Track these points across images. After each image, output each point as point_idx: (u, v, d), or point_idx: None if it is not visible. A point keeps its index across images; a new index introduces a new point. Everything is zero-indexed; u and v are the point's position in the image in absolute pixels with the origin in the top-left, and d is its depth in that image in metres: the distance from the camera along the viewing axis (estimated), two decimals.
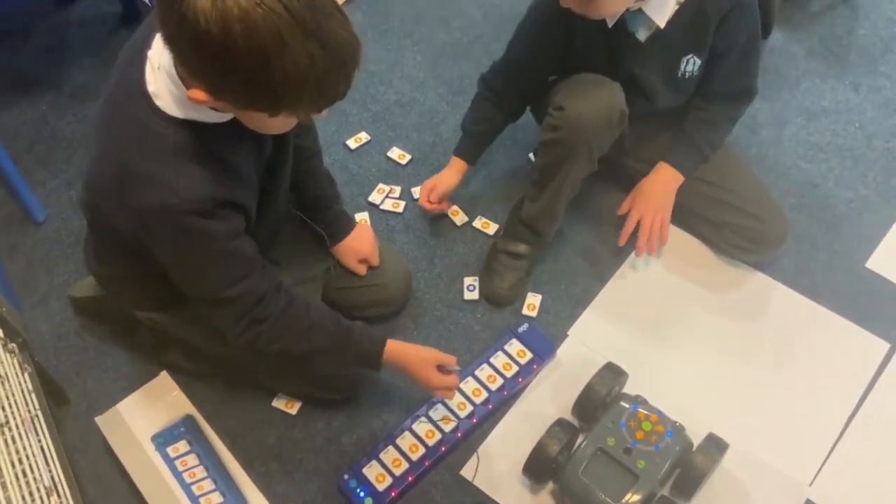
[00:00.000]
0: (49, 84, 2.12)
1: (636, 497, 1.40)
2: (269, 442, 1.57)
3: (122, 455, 1.51)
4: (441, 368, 1.47)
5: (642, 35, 1.54)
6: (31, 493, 1.19)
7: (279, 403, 1.61)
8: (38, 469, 1.23)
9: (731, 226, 1.74)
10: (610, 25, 1.53)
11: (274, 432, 1.58)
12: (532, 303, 1.76)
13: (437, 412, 1.57)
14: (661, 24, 1.50)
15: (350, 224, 1.64)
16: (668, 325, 1.75)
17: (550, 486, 1.51)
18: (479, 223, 1.88)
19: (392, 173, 1.97)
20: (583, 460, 1.44)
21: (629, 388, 1.58)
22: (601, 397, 1.51)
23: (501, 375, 1.63)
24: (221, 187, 1.15)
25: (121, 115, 1.17)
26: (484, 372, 1.63)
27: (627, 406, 1.50)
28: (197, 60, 1.00)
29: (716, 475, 1.51)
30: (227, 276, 1.24)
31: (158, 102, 1.11)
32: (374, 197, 1.92)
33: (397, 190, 1.93)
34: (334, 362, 1.45)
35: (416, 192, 1.92)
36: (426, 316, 1.75)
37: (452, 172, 1.82)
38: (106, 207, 1.27)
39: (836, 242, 1.87)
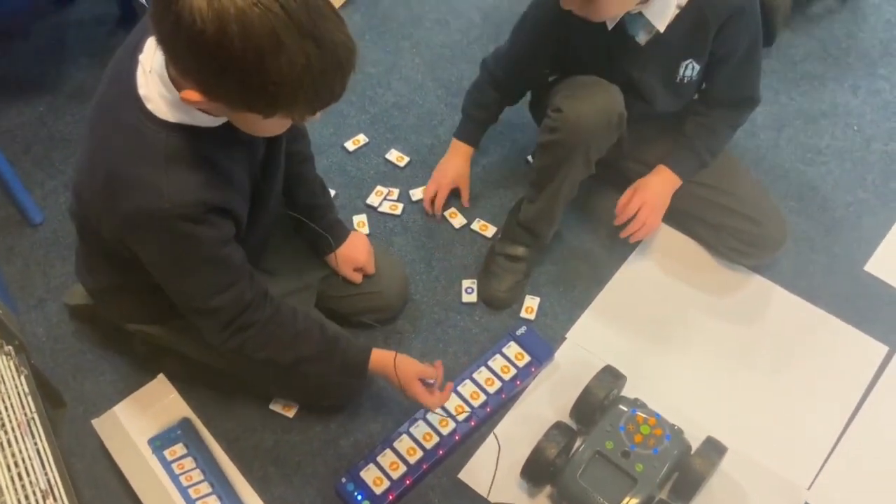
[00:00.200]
0: (47, 85, 2.11)
1: (634, 501, 1.40)
2: (267, 445, 1.57)
3: (119, 458, 1.51)
4: (426, 382, 1.47)
5: (642, 38, 1.54)
6: (27, 497, 1.18)
7: (277, 407, 1.61)
8: (35, 472, 1.23)
9: (730, 229, 1.74)
10: (610, 28, 1.53)
11: (271, 435, 1.58)
12: (530, 305, 1.76)
13: (435, 415, 1.57)
14: (662, 28, 1.50)
15: (345, 232, 1.62)
16: (666, 328, 1.74)
17: (548, 489, 1.51)
18: (476, 225, 1.88)
19: (390, 175, 1.97)
20: (581, 464, 1.44)
21: (627, 392, 1.58)
22: (599, 400, 1.51)
23: (499, 378, 1.62)
24: (213, 192, 1.14)
25: (111, 118, 1.16)
26: (482, 375, 1.63)
27: (626, 409, 1.49)
28: (192, 60, 0.99)
29: (714, 478, 1.50)
30: (215, 282, 1.24)
31: (150, 106, 1.10)
32: (373, 199, 1.92)
33: (395, 192, 1.93)
34: (320, 371, 1.43)
35: (414, 194, 1.92)
36: (424, 319, 1.74)
37: (460, 160, 1.84)
38: (93, 213, 1.24)
39: (834, 245, 1.87)
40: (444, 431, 1.55)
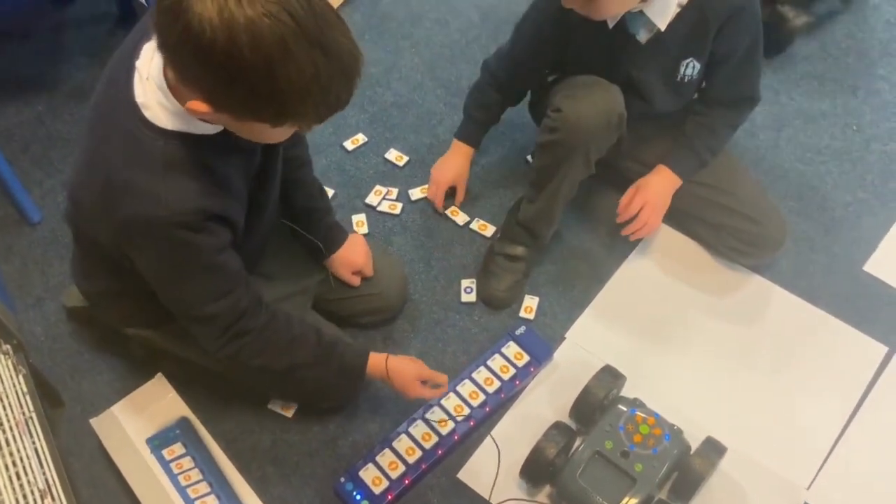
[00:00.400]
0: (45, 84, 2.11)
1: (634, 501, 1.39)
2: (265, 445, 1.57)
3: (117, 457, 1.50)
4: (426, 382, 1.47)
5: (642, 37, 1.54)
6: (24, 496, 1.18)
7: (275, 406, 1.60)
8: (33, 471, 1.23)
9: (730, 228, 1.74)
10: (610, 27, 1.53)
11: (270, 435, 1.58)
12: (529, 305, 1.75)
13: (434, 415, 1.57)
14: (662, 26, 1.49)
15: (343, 235, 1.61)
16: (666, 327, 1.74)
17: (548, 489, 1.51)
18: (476, 225, 1.88)
19: (389, 175, 1.97)
20: (580, 464, 1.43)
21: (627, 391, 1.58)
22: (599, 400, 1.51)
23: (499, 378, 1.62)
24: (210, 200, 1.14)
25: (108, 125, 1.15)
26: (481, 375, 1.62)
27: (625, 409, 1.49)
28: (200, 71, 0.98)
29: (714, 478, 1.50)
30: (211, 290, 1.23)
31: (147, 113, 1.10)
32: (372, 199, 1.91)
33: (394, 192, 1.93)
34: (317, 376, 1.43)
35: (413, 193, 1.92)
36: (423, 318, 1.74)
37: (461, 160, 1.84)
38: (88, 218, 1.24)
39: (834, 245, 1.87)
40: (443, 431, 1.55)
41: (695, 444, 1.49)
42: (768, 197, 1.79)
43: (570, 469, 1.43)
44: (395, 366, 1.46)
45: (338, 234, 1.61)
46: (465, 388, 1.61)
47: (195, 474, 1.48)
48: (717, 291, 1.79)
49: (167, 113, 1.09)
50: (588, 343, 1.71)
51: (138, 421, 1.55)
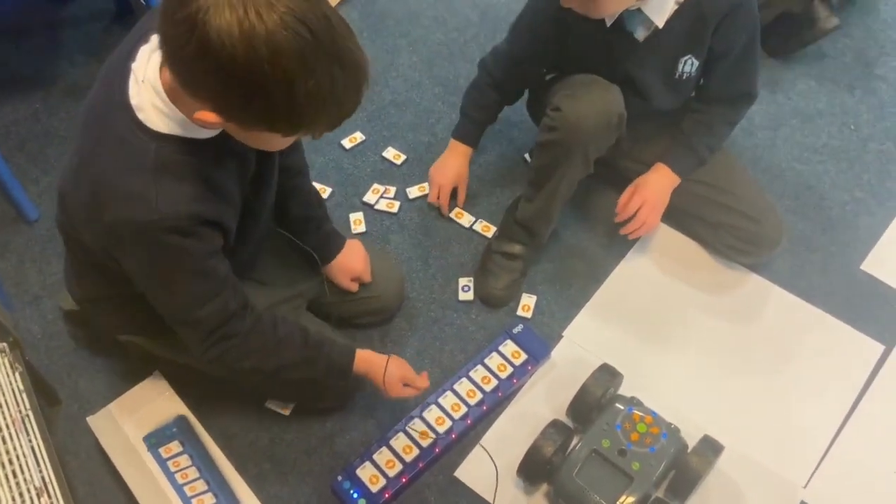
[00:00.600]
0: (42, 81, 2.10)
1: (631, 499, 1.39)
2: (263, 443, 1.56)
3: (114, 456, 1.50)
4: (410, 384, 1.47)
5: (640, 35, 1.54)
6: (21, 494, 1.18)
7: (272, 404, 1.60)
8: (29, 469, 1.23)
9: (727, 227, 1.74)
10: (608, 25, 1.53)
11: (267, 433, 1.58)
12: (527, 303, 1.75)
13: (432, 413, 1.57)
14: (660, 24, 1.49)
15: (341, 242, 1.60)
16: (663, 326, 1.74)
17: (545, 487, 1.51)
18: (479, 226, 1.87)
19: (387, 173, 1.97)
20: (577, 462, 1.43)
21: (624, 390, 1.58)
22: (596, 399, 1.51)
23: (496, 376, 1.62)
24: (202, 205, 1.13)
25: (101, 126, 1.13)
26: (478, 373, 1.62)
27: (622, 408, 1.49)
28: (216, 85, 0.96)
29: (711, 477, 1.50)
30: (200, 294, 1.22)
31: (141, 116, 1.08)
32: (369, 197, 1.91)
33: (392, 190, 1.93)
34: (305, 376, 1.42)
35: (411, 192, 1.92)
36: (420, 317, 1.74)
37: (460, 160, 1.84)
38: (77, 223, 1.22)
39: (831, 245, 1.87)
40: (441, 429, 1.55)
41: (692, 443, 1.49)
42: (766, 195, 1.79)
43: (567, 467, 1.43)
44: (379, 363, 1.45)
45: (336, 242, 1.60)
46: (463, 386, 1.61)
47: (192, 472, 1.48)
48: (715, 290, 1.79)
49: (162, 116, 1.08)
50: (585, 341, 1.71)
51: (135, 419, 1.54)
